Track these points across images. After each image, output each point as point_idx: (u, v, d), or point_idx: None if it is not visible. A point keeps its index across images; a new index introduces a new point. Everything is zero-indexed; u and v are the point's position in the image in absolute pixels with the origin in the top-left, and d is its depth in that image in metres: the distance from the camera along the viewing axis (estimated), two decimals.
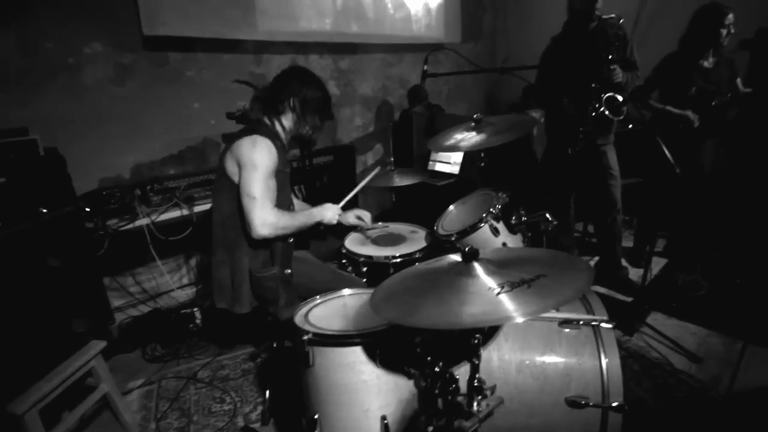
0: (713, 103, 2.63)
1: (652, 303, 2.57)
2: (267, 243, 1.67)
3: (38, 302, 1.57)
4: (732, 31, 2.54)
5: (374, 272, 1.82)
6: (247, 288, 1.69)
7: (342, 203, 1.88)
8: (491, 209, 1.69)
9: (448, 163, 3.26)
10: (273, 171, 1.62)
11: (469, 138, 1.95)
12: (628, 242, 3.22)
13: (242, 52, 3.23)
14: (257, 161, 1.56)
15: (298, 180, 2.86)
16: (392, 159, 2.38)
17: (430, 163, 3.37)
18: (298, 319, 1.41)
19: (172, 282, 2.82)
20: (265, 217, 1.52)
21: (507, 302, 0.97)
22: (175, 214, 2.41)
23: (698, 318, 2.44)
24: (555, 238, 3.04)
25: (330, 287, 1.67)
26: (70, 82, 2.59)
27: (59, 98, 2.54)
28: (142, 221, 2.30)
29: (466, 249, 1.18)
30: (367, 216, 2.00)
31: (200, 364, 2.30)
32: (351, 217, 1.99)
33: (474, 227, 1.68)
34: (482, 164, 2.13)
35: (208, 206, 2.40)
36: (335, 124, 3.93)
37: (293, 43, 3.44)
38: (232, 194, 1.62)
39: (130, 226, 2.26)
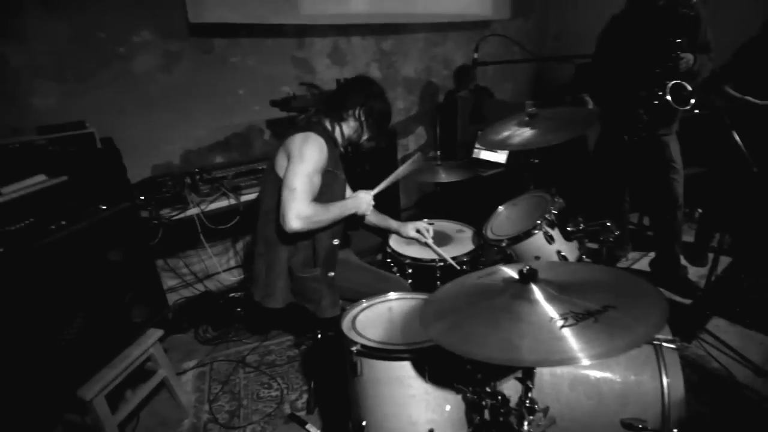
0: None
1: (713, 307, 2.40)
2: (309, 242, 1.65)
3: (101, 294, 1.64)
4: None
5: (420, 275, 1.78)
6: (283, 284, 1.68)
7: (376, 190, 1.79)
8: (546, 215, 1.60)
9: (495, 151, 3.12)
10: (320, 168, 1.59)
11: (521, 134, 1.83)
12: (688, 237, 3.01)
13: (284, 36, 3.19)
14: (306, 155, 1.54)
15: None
16: (438, 152, 2.29)
17: (475, 150, 3.24)
18: (345, 325, 1.40)
19: (219, 265, 2.91)
20: (300, 210, 1.48)
21: (571, 339, 0.90)
22: (223, 203, 2.44)
23: (765, 326, 2.25)
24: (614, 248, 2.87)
25: (374, 290, 1.66)
26: (121, 71, 2.63)
27: (112, 87, 2.60)
28: (193, 210, 2.35)
29: (525, 269, 1.11)
30: (428, 229, 1.91)
31: (248, 348, 2.38)
32: (411, 231, 1.93)
33: (528, 234, 1.60)
34: (536, 161, 2.00)
35: (254, 195, 2.43)
36: None
37: (335, 26, 3.35)
38: (275, 188, 1.62)
39: (182, 215, 2.32)
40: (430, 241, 1.85)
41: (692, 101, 2.15)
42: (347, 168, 1.85)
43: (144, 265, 1.87)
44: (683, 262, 2.76)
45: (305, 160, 1.53)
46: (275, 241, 1.66)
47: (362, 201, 1.73)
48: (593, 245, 2.00)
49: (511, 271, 1.23)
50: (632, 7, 2.36)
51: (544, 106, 1.92)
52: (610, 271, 1.18)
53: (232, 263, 3.04)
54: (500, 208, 1.90)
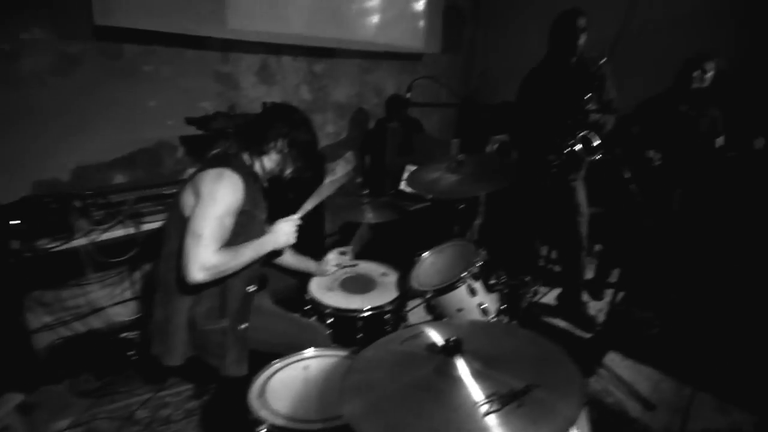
0: (686, 151, 2.65)
1: (609, 341, 2.58)
2: (218, 289, 1.47)
3: None
4: (706, 78, 2.55)
5: (340, 324, 1.67)
6: (183, 338, 1.48)
7: (299, 214, 1.64)
8: (470, 267, 1.58)
9: None
10: (234, 210, 1.42)
11: (448, 180, 1.84)
12: (589, 271, 3.25)
13: (208, 49, 2.95)
14: (218, 195, 1.36)
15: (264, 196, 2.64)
16: (367, 191, 2.21)
17: (403, 182, 3.23)
18: (254, 393, 1.24)
19: (111, 297, 2.53)
20: (205, 260, 1.31)
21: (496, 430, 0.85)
22: (119, 233, 2.13)
23: (651, 359, 2.45)
24: (521, 267, 3.02)
25: (290, 341, 1.52)
26: (4, 71, 2.23)
27: None
28: (80, 241, 2.01)
29: (450, 341, 1.05)
30: (345, 254, 1.85)
31: (138, 402, 2.06)
32: (330, 266, 1.86)
33: (452, 286, 1.57)
34: (461, 206, 2.01)
35: (158, 224, 2.15)
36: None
37: (265, 43, 3.18)
38: (179, 229, 1.41)
39: (65, 246, 1.97)
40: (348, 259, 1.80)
41: (600, 152, 2.33)
42: (271, 198, 1.70)
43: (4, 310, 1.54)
44: (585, 297, 2.96)
45: (217, 201, 1.36)
46: (175, 289, 1.45)
47: (280, 233, 1.56)
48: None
49: (435, 336, 1.17)
50: (548, 63, 2.55)
51: (470, 152, 1.94)
52: (532, 339, 1.17)
53: (127, 295, 2.67)
54: (425, 254, 1.86)
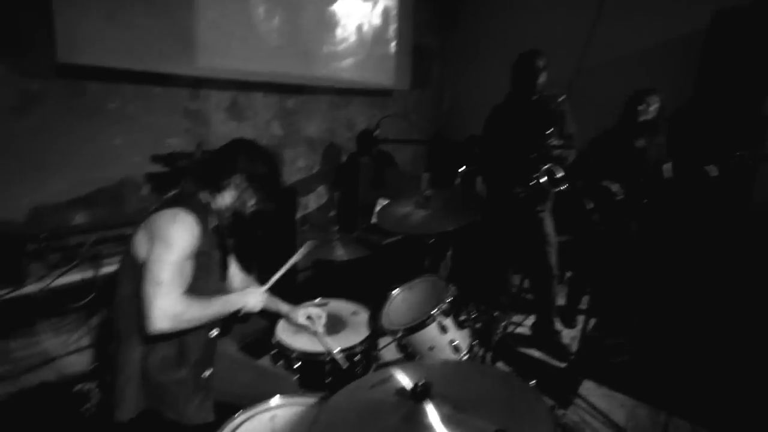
0: (641, 180, 2.77)
1: (583, 370, 2.58)
2: (173, 336, 1.38)
3: None
4: (650, 110, 2.71)
5: (309, 369, 1.61)
6: (134, 391, 1.37)
7: (268, 285, 1.63)
8: (440, 305, 1.56)
9: None
10: (191, 253, 1.36)
11: (417, 215, 1.85)
12: (560, 299, 3.28)
13: (177, 86, 2.94)
14: (173, 239, 1.30)
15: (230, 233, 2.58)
16: (337, 226, 2.20)
17: (375, 216, 3.23)
18: None
19: (65, 345, 2.37)
20: (168, 308, 1.25)
21: None
22: (76, 277, 2.02)
23: (625, 386, 2.46)
24: (494, 299, 3.04)
25: (255, 391, 1.44)
26: None
27: None
28: (32, 288, 1.90)
29: (418, 386, 1.02)
30: (320, 316, 1.75)
31: None
32: (301, 317, 1.74)
33: (422, 324, 1.54)
34: (431, 240, 2.02)
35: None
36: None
37: (236, 80, 3.20)
38: (132, 273, 1.34)
39: (15, 294, 1.85)
40: (320, 331, 1.70)
41: (563, 185, 2.41)
42: (236, 236, 1.65)
43: None
44: (558, 326, 2.98)
45: (173, 245, 1.30)
46: (128, 336, 1.36)
47: (251, 296, 1.54)
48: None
49: (404, 381, 1.13)
50: (511, 100, 2.68)
51: (440, 185, 1.97)
52: (502, 379, 1.15)
53: (84, 343, 2.51)
54: (395, 291, 1.84)
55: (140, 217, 1.43)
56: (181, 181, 1.52)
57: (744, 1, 2.99)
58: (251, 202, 1.54)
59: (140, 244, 1.35)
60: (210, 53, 2.91)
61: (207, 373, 1.45)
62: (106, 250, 2.14)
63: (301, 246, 1.73)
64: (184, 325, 1.29)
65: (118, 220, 2.40)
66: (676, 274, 3.22)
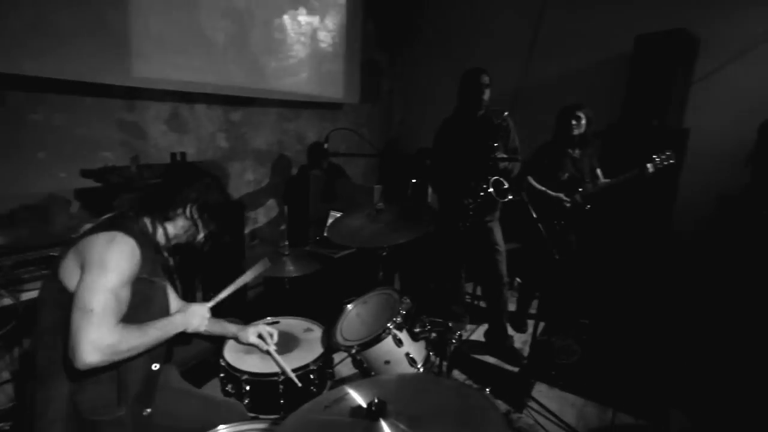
0: (580, 189, 2.94)
1: (535, 373, 2.66)
2: (107, 369, 1.24)
3: None
4: (582, 124, 2.90)
5: (260, 392, 1.53)
6: None
7: (213, 302, 1.55)
8: (395, 317, 1.55)
9: None
10: (129, 279, 1.24)
11: (368, 228, 1.84)
12: (511, 305, 3.38)
13: (110, 96, 2.76)
14: (109, 263, 1.18)
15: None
16: (287, 242, 2.13)
17: (327, 229, 3.18)
18: None
19: None
20: (99, 339, 1.12)
21: None
22: None
23: (575, 386, 2.57)
24: (447, 308, 3.09)
25: (199, 425, 1.33)
26: None
27: None
28: None
29: (373, 404, 0.99)
30: (272, 334, 1.67)
31: None
32: (251, 336, 1.65)
33: (377, 339, 1.52)
34: (384, 252, 2.01)
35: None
36: (223, 178, 3.55)
37: (176, 92, 3.06)
38: (59, 302, 1.20)
39: None
40: (272, 350, 1.62)
41: (509, 195, 2.51)
42: (179, 252, 1.54)
43: None
44: (510, 331, 3.07)
45: (108, 270, 1.18)
46: (52, 372, 1.21)
47: (194, 316, 1.45)
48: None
49: (359, 399, 1.11)
50: (458, 115, 2.78)
51: (392, 197, 1.97)
52: (457, 390, 1.15)
53: (3, 377, 2.25)
54: (349, 306, 1.80)
55: (69, 238, 1.30)
56: (117, 200, 1.41)
57: (662, 27, 3.30)
58: (203, 234, 1.46)
59: (69, 268, 1.22)
60: (147, 62, 2.76)
61: (146, 411, 1.33)
62: (28, 274, 1.93)
63: (251, 264, 1.65)
64: (117, 357, 1.17)
65: (43, 240, 2.18)
66: (614, 278, 3.42)
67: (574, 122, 2.89)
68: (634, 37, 3.42)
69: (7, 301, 1.83)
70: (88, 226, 1.32)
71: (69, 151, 2.57)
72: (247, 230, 3.65)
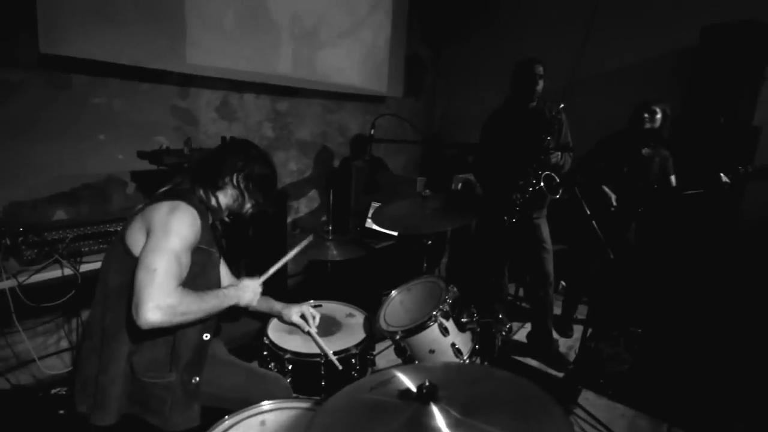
0: (639, 183, 2.77)
1: (582, 380, 2.54)
2: (169, 337, 1.30)
3: None
4: (656, 119, 2.72)
5: (302, 372, 1.53)
6: (119, 391, 1.28)
7: (263, 278, 1.57)
8: (441, 305, 1.50)
9: None
10: (190, 245, 1.29)
11: (413, 214, 1.81)
12: (556, 308, 3.25)
13: (165, 83, 2.85)
14: (173, 229, 1.24)
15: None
16: (330, 226, 2.13)
17: (368, 220, 3.17)
18: None
19: (43, 347, 2.25)
20: (162, 299, 1.16)
21: None
22: (54, 273, 1.90)
23: (625, 396, 2.42)
24: (490, 305, 3.00)
25: (244, 395, 1.37)
26: None
27: None
28: (6, 284, 1.77)
29: (424, 386, 0.95)
30: (314, 316, 1.69)
31: None
32: (294, 315, 1.68)
33: (422, 326, 1.48)
34: (429, 242, 1.96)
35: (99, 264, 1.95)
36: None
37: (226, 80, 3.13)
38: (124, 265, 1.27)
39: None
40: (313, 331, 1.62)
41: (560, 191, 2.40)
42: (227, 236, 1.58)
43: None
44: (554, 335, 2.94)
45: (172, 234, 1.23)
46: (115, 332, 1.27)
47: (246, 290, 1.47)
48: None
49: (407, 382, 1.06)
50: (509, 107, 2.67)
51: (436, 188, 1.93)
52: (513, 381, 1.08)
53: (63, 345, 2.38)
54: (393, 293, 1.77)
55: (128, 213, 1.36)
56: (174, 177, 1.46)
57: (731, 18, 3.06)
58: (249, 204, 1.50)
59: (135, 233, 1.28)
60: (200, 50, 2.84)
61: (195, 380, 1.36)
62: (87, 247, 2.03)
63: (295, 245, 1.66)
64: (177, 319, 1.20)
65: (102, 217, 2.28)
66: (673, 284, 3.20)
67: (646, 115, 2.72)
68: (699, 28, 3.19)
69: (68, 271, 1.93)
70: (155, 194, 1.38)
71: (126, 135, 2.67)
72: (289, 219, 3.69)
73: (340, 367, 1.49)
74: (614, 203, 2.78)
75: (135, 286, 1.17)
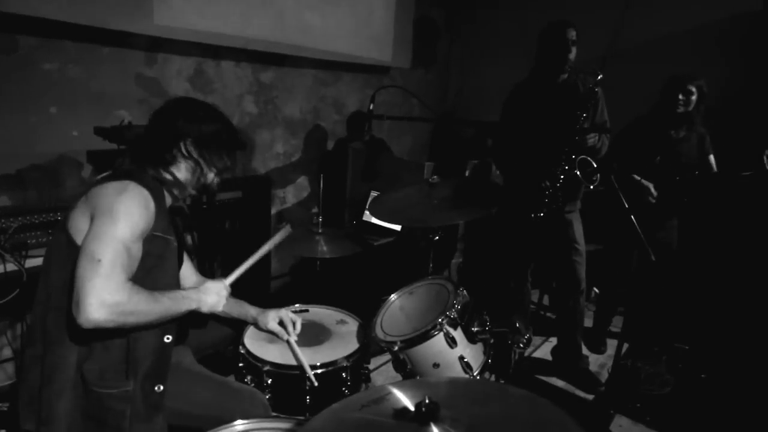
0: (677, 178, 2.74)
1: (615, 404, 2.54)
2: (116, 336, 1.29)
3: None
4: (692, 100, 2.69)
5: (282, 385, 1.53)
6: (68, 405, 1.28)
7: (231, 278, 1.57)
8: (448, 311, 1.50)
9: None
10: (142, 233, 1.28)
11: (418, 205, 1.80)
12: (587, 320, 3.24)
13: (129, 48, 2.86)
14: (120, 213, 1.23)
15: (190, 225, 2.50)
16: (320, 217, 2.13)
17: (366, 213, 3.17)
18: None
19: None
20: (107, 294, 1.15)
21: None
22: None
23: (666, 425, 2.42)
24: (507, 314, 3.00)
25: (214, 412, 1.37)
26: None
27: None
28: None
29: (424, 403, 0.95)
30: (294, 322, 1.69)
31: None
32: (271, 321, 1.68)
33: (426, 335, 1.48)
34: (436, 237, 1.95)
35: None
36: (249, 150, 3.62)
37: (201, 44, 3.13)
38: (68, 259, 1.25)
39: None
40: (292, 339, 1.63)
41: (597, 177, 2.37)
42: (201, 229, 1.58)
43: None
44: (584, 351, 2.94)
45: (119, 219, 1.22)
46: (60, 336, 1.27)
47: (209, 292, 1.47)
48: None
49: (404, 399, 1.06)
50: (535, 79, 2.61)
51: (447, 175, 1.92)
52: (525, 398, 1.08)
53: (6, 353, 2.40)
54: (393, 296, 1.77)
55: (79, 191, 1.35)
56: (117, 160, 1.44)
57: None
58: (212, 173, 1.47)
59: (78, 220, 1.27)
60: (171, 8, 2.84)
61: (158, 388, 1.36)
62: (35, 239, 2.03)
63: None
64: (124, 319, 1.20)
65: (53, 204, 2.30)
66: (726, 290, 3.17)
67: (681, 97, 2.69)
68: None
69: (11, 266, 1.94)
70: (98, 177, 1.37)
71: (83, 108, 2.68)
72: (273, 210, 3.70)
73: (315, 383, 1.50)
74: (653, 193, 2.75)
75: (75, 279, 1.16)
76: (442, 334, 1.48)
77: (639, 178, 2.78)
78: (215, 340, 1.87)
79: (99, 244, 1.19)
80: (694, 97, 2.69)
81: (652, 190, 2.75)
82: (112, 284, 1.17)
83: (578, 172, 2.27)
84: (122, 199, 1.24)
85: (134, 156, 1.42)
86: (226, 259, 2.79)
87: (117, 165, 1.41)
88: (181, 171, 1.43)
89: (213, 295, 1.48)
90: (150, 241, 1.31)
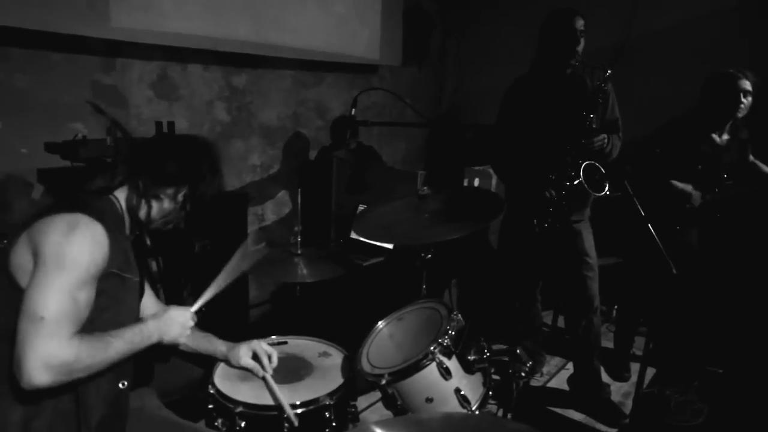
0: (716, 189, 2.78)
1: None
2: (68, 389, 1.29)
3: None
4: (749, 101, 2.68)
5: (258, 429, 1.55)
6: None
7: (196, 306, 1.58)
8: (441, 339, 1.52)
9: None
10: (93, 276, 1.28)
11: (407, 220, 1.84)
12: (607, 341, 3.25)
13: (84, 53, 2.92)
14: (67, 258, 1.22)
15: (154, 250, 2.52)
16: (299, 237, 2.16)
17: (353, 231, 3.20)
18: None
19: None
20: (51, 355, 1.16)
21: None
22: None
23: None
24: (517, 341, 3.02)
25: None
26: None
27: None
28: None
29: None
30: (270, 356, 1.71)
31: None
32: (243, 357, 1.69)
33: (417, 366, 1.50)
34: (428, 256, 1.99)
35: None
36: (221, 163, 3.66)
37: (165, 47, 3.19)
38: (10, 301, 1.25)
39: None
40: (268, 375, 1.65)
41: (606, 186, 2.41)
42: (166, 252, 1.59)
43: None
44: (605, 378, 2.95)
45: (66, 267, 1.22)
46: (2, 392, 1.26)
47: (172, 322, 1.47)
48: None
49: None
50: (538, 72, 2.65)
51: (441, 185, 1.96)
52: None
53: None
54: (380, 324, 1.80)
55: (22, 219, 1.36)
56: (96, 178, 1.46)
57: None
58: (180, 223, 1.52)
59: (20, 257, 1.26)
60: (130, 8, 2.90)
61: None
62: None
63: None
64: (73, 377, 1.22)
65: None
66: (762, 305, 3.20)
67: (744, 101, 2.65)
68: None
69: None
70: (46, 202, 1.38)
71: (32, 121, 2.72)
72: (250, 230, 3.73)
73: (296, 424, 1.51)
74: (695, 199, 2.78)
75: (17, 338, 1.17)
76: (434, 364, 1.50)
77: (679, 184, 2.80)
78: (184, 384, 1.88)
79: (41, 297, 1.19)
80: (750, 98, 2.68)
81: (694, 193, 2.78)
82: (55, 344, 1.18)
83: (582, 180, 2.31)
84: (71, 241, 1.23)
85: (130, 168, 1.44)
86: (197, 286, 2.80)
87: (102, 178, 1.43)
88: (157, 211, 1.45)
89: (176, 326, 1.48)
90: (105, 279, 1.31)
